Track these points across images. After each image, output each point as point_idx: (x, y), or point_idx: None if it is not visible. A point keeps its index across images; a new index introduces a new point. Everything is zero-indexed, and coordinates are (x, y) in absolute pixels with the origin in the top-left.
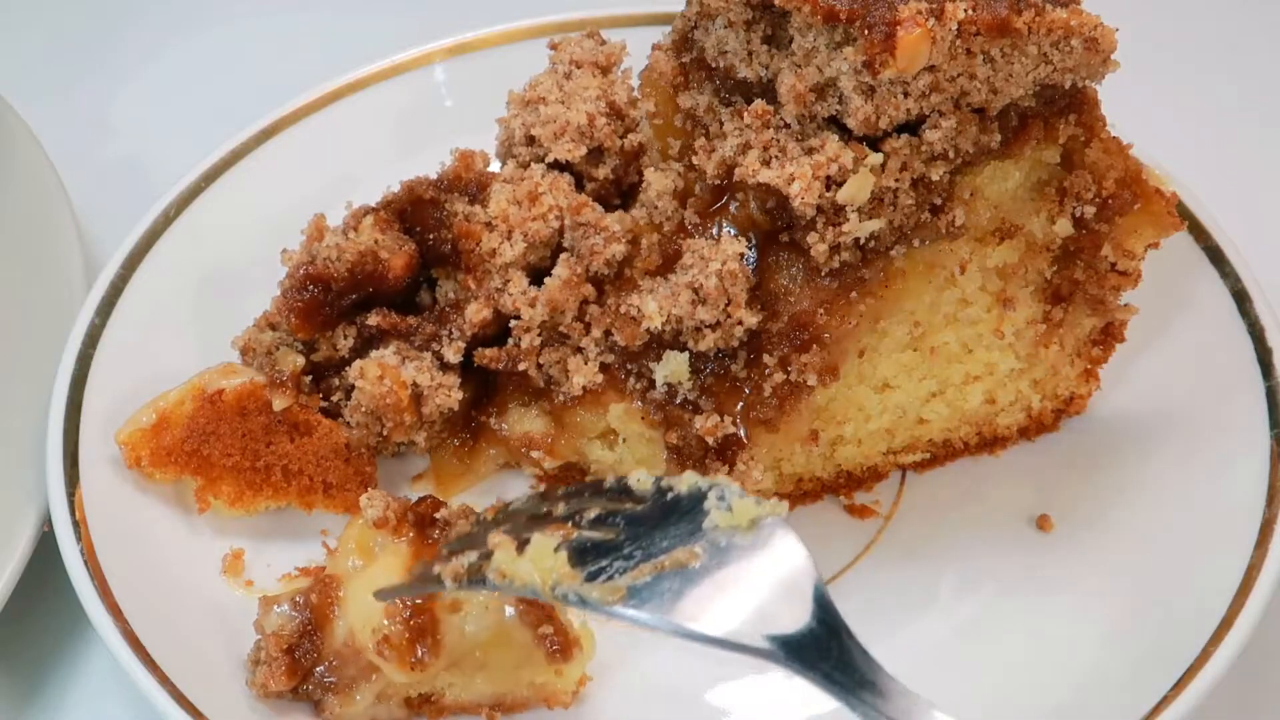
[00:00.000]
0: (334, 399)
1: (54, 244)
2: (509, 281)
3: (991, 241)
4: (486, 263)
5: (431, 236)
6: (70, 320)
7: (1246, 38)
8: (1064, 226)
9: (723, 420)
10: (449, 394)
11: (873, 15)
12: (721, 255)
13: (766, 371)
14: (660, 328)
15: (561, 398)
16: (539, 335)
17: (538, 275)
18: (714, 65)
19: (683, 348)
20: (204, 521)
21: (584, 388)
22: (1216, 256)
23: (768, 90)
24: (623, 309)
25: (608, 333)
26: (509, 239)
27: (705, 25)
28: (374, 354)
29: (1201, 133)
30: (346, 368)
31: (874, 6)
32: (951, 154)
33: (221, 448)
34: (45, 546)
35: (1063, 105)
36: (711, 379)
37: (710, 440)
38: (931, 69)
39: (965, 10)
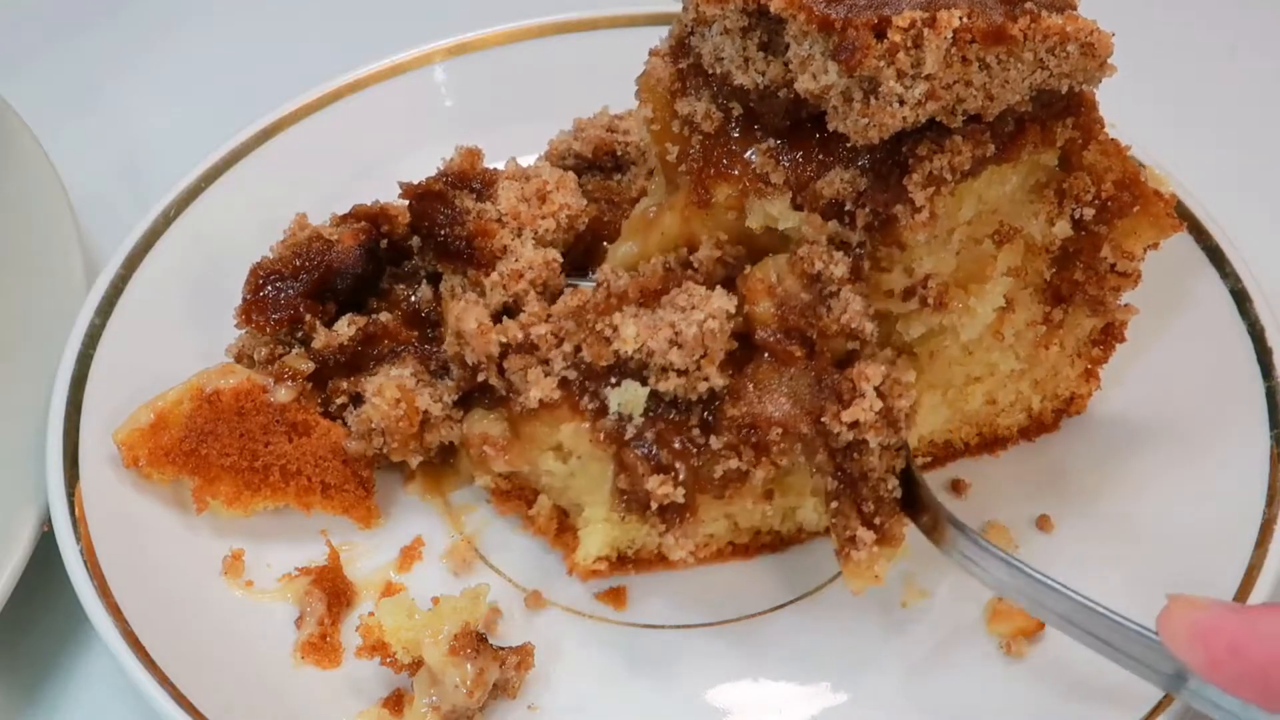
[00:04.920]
0: (338, 401)
1: (54, 244)
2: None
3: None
4: (498, 259)
5: (442, 232)
6: (70, 320)
7: (1245, 39)
8: (1063, 228)
9: (674, 489)
10: (454, 427)
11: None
12: (709, 308)
13: (715, 448)
14: (630, 354)
15: (519, 407)
16: (499, 344)
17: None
18: (711, 71)
19: (644, 382)
20: (204, 522)
21: (540, 401)
22: (1216, 256)
23: (765, 97)
24: (598, 326)
25: (577, 348)
26: (519, 236)
27: (702, 32)
28: (394, 373)
29: (1201, 133)
30: (354, 374)
31: (864, 13)
32: (949, 177)
33: (219, 447)
34: (45, 546)
35: (1060, 109)
36: (663, 425)
37: (654, 504)
38: (927, 77)
39: (960, 18)
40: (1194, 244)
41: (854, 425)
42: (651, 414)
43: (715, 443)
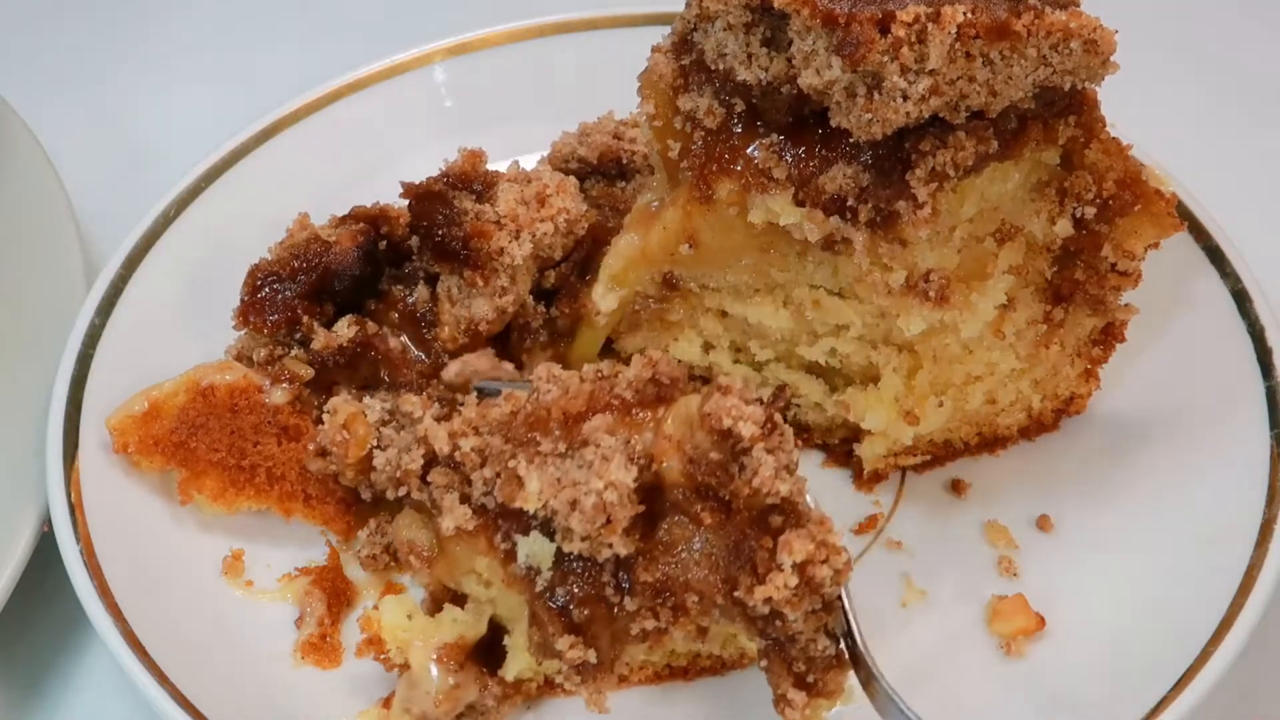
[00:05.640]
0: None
1: (54, 244)
2: (508, 290)
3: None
4: (495, 261)
5: (440, 232)
6: (70, 320)
7: (1245, 38)
8: (1064, 227)
9: (585, 651)
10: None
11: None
12: (608, 477)
13: (630, 609)
14: (534, 511)
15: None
16: (422, 458)
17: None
18: (714, 67)
19: (552, 536)
20: (204, 522)
21: (455, 529)
22: (1216, 256)
23: (768, 93)
24: (510, 463)
25: (498, 473)
26: (517, 239)
27: (705, 28)
28: (367, 400)
29: (1201, 133)
30: (351, 376)
31: (868, 8)
32: (952, 173)
33: (209, 442)
34: (45, 546)
35: (1062, 107)
36: (575, 580)
37: (566, 664)
38: (931, 72)
39: (964, 13)
40: (1194, 244)
41: (769, 600)
42: (563, 567)
43: (630, 604)
